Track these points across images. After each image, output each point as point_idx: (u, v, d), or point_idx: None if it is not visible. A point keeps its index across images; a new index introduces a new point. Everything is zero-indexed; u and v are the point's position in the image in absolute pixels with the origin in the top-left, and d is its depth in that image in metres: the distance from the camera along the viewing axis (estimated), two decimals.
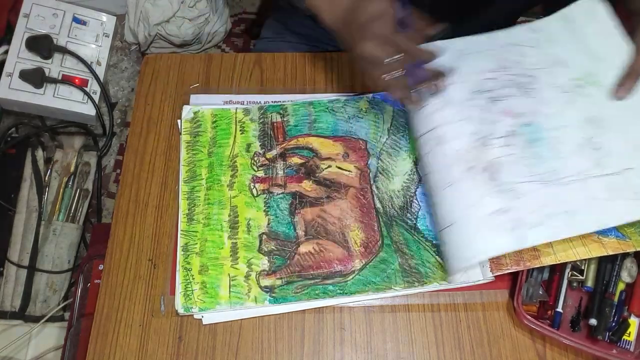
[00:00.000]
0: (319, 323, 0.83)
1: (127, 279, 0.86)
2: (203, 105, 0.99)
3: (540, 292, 0.82)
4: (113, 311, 0.83)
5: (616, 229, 0.81)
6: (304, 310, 0.83)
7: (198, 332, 0.81)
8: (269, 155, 0.93)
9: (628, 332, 0.81)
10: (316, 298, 0.82)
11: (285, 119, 0.97)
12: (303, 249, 0.86)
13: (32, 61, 1.48)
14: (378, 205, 0.89)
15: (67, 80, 1.51)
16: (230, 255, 0.85)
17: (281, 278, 0.84)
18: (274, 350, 0.81)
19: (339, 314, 0.84)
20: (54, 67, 1.50)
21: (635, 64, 0.85)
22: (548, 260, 0.80)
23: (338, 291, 0.83)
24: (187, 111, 0.98)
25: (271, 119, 0.97)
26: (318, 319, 0.83)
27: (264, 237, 0.87)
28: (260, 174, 0.92)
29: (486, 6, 1.02)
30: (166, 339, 0.81)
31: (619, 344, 0.80)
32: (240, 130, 0.96)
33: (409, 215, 0.88)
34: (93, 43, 1.57)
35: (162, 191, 0.93)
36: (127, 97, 1.73)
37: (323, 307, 0.84)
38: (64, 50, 1.51)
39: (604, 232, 0.81)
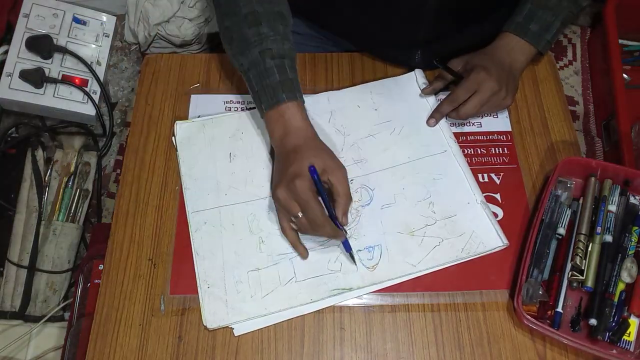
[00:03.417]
0: (318, 323, 0.83)
1: (127, 278, 0.86)
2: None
3: (540, 292, 0.82)
4: (113, 311, 0.83)
5: None
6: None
7: (198, 332, 0.82)
8: None
9: (628, 332, 0.81)
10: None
11: None
12: None
13: (32, 61, 1.48)
14: None
15: (67, 80, 1.50)
16: None
17: None
18: (274, 350, 0.81)
19: (339, 314, 0.84)
20: (54, 67, 1.50)
21: (453, 94, 0.94)
22: None
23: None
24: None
25: None
26: (318, 318, 0.83)
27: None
28: None
29: (488, 15, 1.02)
30: (166, 338, 0.81)
31: (619, 344, 0.80)
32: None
33: None
34: (93, 43, 1.57)
35: (162, 191, 0.93)
36: (127, 97, 1.73)
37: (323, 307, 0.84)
38: (64, 50, 1.51)
39: None
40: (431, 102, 1.02)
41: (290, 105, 0.86)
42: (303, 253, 0.86)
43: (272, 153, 0.95)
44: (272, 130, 0.88)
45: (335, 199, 0.84)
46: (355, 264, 0.86)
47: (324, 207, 0.83)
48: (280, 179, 0.83)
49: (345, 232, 0.86)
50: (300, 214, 0.81)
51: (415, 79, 1.04)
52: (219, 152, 0.96)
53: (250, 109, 1.02)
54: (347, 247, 0.86)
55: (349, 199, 0.84)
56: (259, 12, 0.87)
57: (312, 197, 0.81)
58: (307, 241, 0.88)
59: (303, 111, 0.87)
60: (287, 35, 0.90)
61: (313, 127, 0.88)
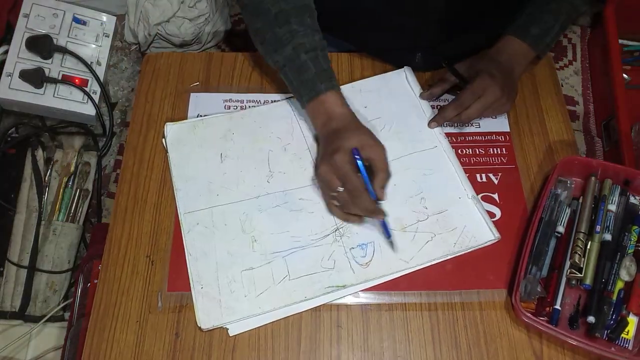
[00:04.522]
0: (315, 321, 0.83)
1: (125, 275, 0.86)
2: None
3: (539, 289, 0.82)
4: (110, 307, 0.83)
5: None
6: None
7: (195, 329, 0.81)
8: None
9: (626, 330, 0.81)
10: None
11: None
12: None
13: (32, 61, 1.48)
14: None
15: (67, 80, 1.50)
16: None
17: None
18: (271, 348, 0.81)
19: (336, 312, 0.84)
20: (54, 67, 1.50)
21: (459, 99, 0.94)
22: None
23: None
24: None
25: None
26: (315, 317, 0.83)
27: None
28: None
29: (490, 19, 1.02)
30: (163, 335, 0.81)
31: (617, 342, 0.80)
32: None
33: None
34: (93, 43, 1.57)
35: (161, 188, 0.93)
36: (127, 97, 1.73)
37: (319, 305, 0.84)
38: (64, 50, 1.51)
39: None
40: (422, 100, 1.02)
41: (329, 94, 0.90)
42: (358, 220, 0.89)
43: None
44: (315, 119, 0.92)
45: (375, 174, 0.85)
46: (394, 250, 0.87)
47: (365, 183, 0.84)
48: (322, 157, 0.88)
49: (385, 213, 0.86)
50: (340, 188, 0.84)
51: (405, 76, 1.05)
52: (210, 153, 0.96)
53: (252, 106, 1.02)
54: (386, 230, 0.87)
55: (388, 174, 0.86)
56: (286, 9, 0.90)
57: (351, 170, 0.83)
58: (302, 239, 0.88)
59: (342, 97, 0.91)
60: (316, 26, 0.93)
61: (353, 111, 0.91)
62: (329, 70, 0.91)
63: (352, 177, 0.83)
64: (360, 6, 1.00)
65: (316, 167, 0.89)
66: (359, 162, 0.83)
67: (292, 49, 0.89)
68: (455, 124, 1.01)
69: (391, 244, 0.88)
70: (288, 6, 0.90)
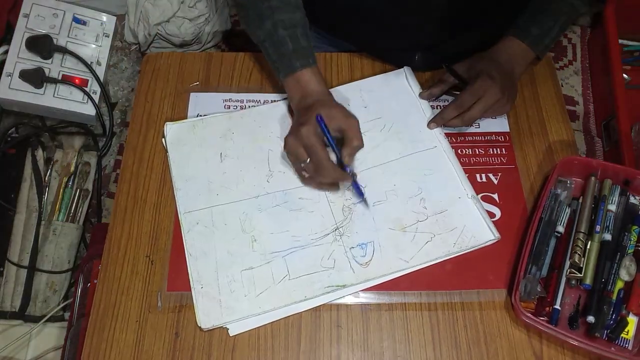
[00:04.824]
0: (315, 321, 0.83)
1: (125, 274, 0.86)
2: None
3: (539, 289, 0.82)
4: (110, 307, 0.83)
5: None
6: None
7: (195, 329, 0.81)
8: None
9: (626, 330, 0.81)
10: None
11: None
12: None
13: (32, 61, 1.48)
14: None
15: (67, 80, 1.50)
16: None
17: None
18: (270, 347, 0.81)
19: (336, 312, 0.84)
20: (54, 67, 1.50)
21: (459, 100, 0.94)
22: None
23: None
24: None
25: None
26: (315, 316, 0.83)
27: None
28: None
29: (490, 20, 1.03)
30: (163, 334, 0.81)
31: (617, 342, 0.80)
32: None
33: None
34: (93, 43, 1.57)
35: (161, 188, 0.93)
36: (127, 97, 1.73)
37: (319, 305, 0.84)
38: (64, 50, 1.51)
39: None
40: (422, 100, 1.02)
41: (305, 71, 0.91)
42: (333, 188, 0.92)
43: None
44: (291, 95, 0.94)
45: (345, 142, 0.88)
46: (368, 207, 0.90)
47: (334, 153, 0.87)
48: (290, 130, 0.90)
49: (354, 174, 0.89)
50: (307, 160, 0.86)
51: (405, 75, 1.05)
52: (210, 153, 0.96)
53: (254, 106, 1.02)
54: (358, 191, 0.90)
55: (359, 142, 0.87)
56: None
57: (317, 141, 0.85)
58: (302, 238, 0.88)
59: (318, 75, 0.93)
60: (298, 4, 0.94)
61: (328, 90, 0.93)
62: (307, 48, 0.93)
63: (317, 148, 0.85)
64: (362, 6, 1.00)
65: (285, 139, 0.90)
66: (324, 128, 0.85)
67: (272, 24, 0.91)
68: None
69: (365, 202, 0.90)
70: None
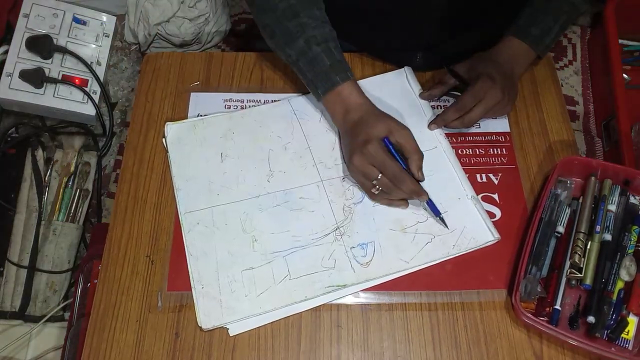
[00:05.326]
0: (315, 321, 0.83)
1: (125, 274, 0.86)
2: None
3: (539, 289, 0.82)
4: (110, 307, 0.83)
5: None
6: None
7: (195, 329, 0.81)
8: None
9: (626, 330, 0.81)
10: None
11: None
12: None
13: (32, 61, 1.48)
14: None
15: (67, 80, 1.50)
16: None
17: None
18: (271, 347, 0.81)
19: (336, 312, 0.84)
20: (54, 67, 1.50)
21: (460, 102, 0.94)
22: None
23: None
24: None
25: None
26: (315, 316, 0.83)
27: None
28: None
29: (490, 20, 1.03)
30: (163, 334, 0.81)
31: (617, 342, 0.80)
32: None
33: None
34: (93, 43, 1.57)
35: (161, 188, 0.93)
36: (127, 97, 1.73)
37: (320, 305, 0.84)
38: (64, 50, 1.51)
39: None
40: (422, 100, 1.02)
41: (345, 85, 0.90)
42: (403, 204, 0.91)
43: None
44: (333, 111, 0.93)
45: (407, 157, 0.87)
46: (447, 226, 0.89)
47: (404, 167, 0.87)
48: (352, 149, 0.88)
49: (427, 194, 0.88)
50: (379, 176, 0.85)
51: (405, 76, 1.05)
52: (211, 153, 0.96)
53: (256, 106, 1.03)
54: (434, 209, 0.89)
55: (421, 155, 0.87)
56: (294, 3, 0.90)
57: (387, 156, 0.85)
58: (302, 238, 0.88)
59: (357, 87, 0.92)
60: (325, 18, 0.93)
61: (370, 100, 0.92)
62: (342, 61, 0.91)
63: (391, 164, 0.84)
64: (362, 5, 1.00)
65: (349, 160, 0.89)
66: (392, 148, 0.85)
67: (304, 42, 0.89)
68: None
69: (442, 221, 0.89)
70: (295, 0, 0.90)
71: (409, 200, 0.91)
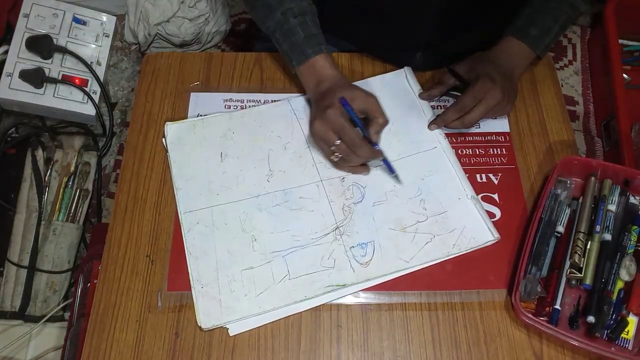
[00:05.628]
0: (315, 321, 0.83)
1: (125, 274, 0.86)
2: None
3: (539, 289, 0.82)
4: (110, 307, 0.83)
5: None
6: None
7: (195, 329, 0.81)
8: None
9: (626, 330, 0.81)
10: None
11: None
12: None
13: (32, 61, 1.48)
14: None
15: (67, 80, 1.50)
16: None
17: None
18: (270, 347, 0.81)
19: (336, 312, 0.83)
20: (54, 67, 1.50)
21: (460, 103, 0.94)
22: None
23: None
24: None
25: None
26: (315, 316, 0.83)
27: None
28: None
29: (490, 18, 1.03)
30: (163, 334, 0.81)
31: (617, 342, 0.80)
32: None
33: None
34: (93, 43, 1.57)
35: (161, 188, 0.93)
36: (127, 97, 1.73)
37: (319, 304, 0.84)
38: (64, 50, 1.51)
39: None
40: (422, 100, 1.02)
41: (318, 57, 0.93)
42: (364, 169, 0.94)
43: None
44: (306, 82, 0.96)
45: (370, 121, 0.89)
46: (400, 182, 0.92)
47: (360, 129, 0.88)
48: (314, 115, 0.92)
49: (383, 153, 0.91)
50: (338, 141, 0.87)
51: (405, 76, 1.05)
52: (210, 152, 0.96)
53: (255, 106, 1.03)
54: (389, 167, 0.92)
55: (384, 119, 0.89)
56: None
57: (345, 122, 0.86)
58: (302, 238, 0.88)
59: (331, 60, 0.94)
60: None
61: (341, 73, 0.95)
62: (317, 35, 0.94)
63: (348, 128, 0.86)
64: (362, 5, 1.00)
65: (311, 125, 0.91)
66: (350, 110, 0.86)
67: (281, 14, 0.93)
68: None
69: (396, 178, 0.92)
70: None
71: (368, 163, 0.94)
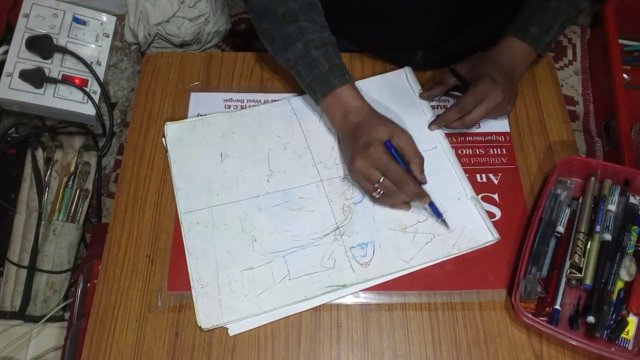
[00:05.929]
0: (315, 321, 0.83)
1: (125, 274, 0.86)
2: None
3: (539, 289, 0.82)
4: (110, 307, 0.83)
5: None
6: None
7: (195, 329, 0.81)
8: None
9: (626, 330, 0.81)
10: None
11: None
12: None
13: (32, 61, 1.48)
14: None
15: (67, 80, 1.50)
16: None
17: None
18: (270, 347, 0.81)
19: (336, 312, 0.84)
20: (54, 67, 1.50)
21: (461, 103, 0.93)
22: None
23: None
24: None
25: None
26: (315, 316, 0.83)
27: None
28: None
29: (490, 17, 1.03)
30: (163, 334, 0.81)
31: (617, 342, 0.80)
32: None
33: None
34: (93, 43, 1.57)
35: (161, 188, 0.93)
36: (127, 97, 1.73)
37: (319, 305, 0.84)
38: (64, 50, 1.51)
39: None
40: (422, 100, 1.02)
41: (344, 88, 0.90)
42: (406, 206, 0.90)
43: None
44: (332, 115, 0.93)
45: (408, 160, 0.87)
46: (448, 227, 0.89)
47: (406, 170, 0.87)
48: (354, 152, 0.87)
49: (429, 196, 0.88)
50: (382, 179, 0.85)
51: (405, 76, 1.05)
52: (210, 152, 0.96)
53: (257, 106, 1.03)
54: (436, 211, 0.89)
55: (421, 158, 0.87)
56: (294, 9, 0.91)
57: (390, 159, 0.85)
58: (302, 238, 0.88)
59: (356, 91, 0.92)
60: (324, 23, 0.94)
61: (369, 103, 0.92)
62: (341, 65, 0.92)
63: (394, 167, 0.84)
64: (362, 5, 1.00)
65: (351, 162, 0.88)
66: (394, 152, 0.85)
67: (303, 46, 0.90)
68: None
69: (444, 223, 0.89)
70: (295, 5, 0.91)
71: (410, 203, 0.91)
